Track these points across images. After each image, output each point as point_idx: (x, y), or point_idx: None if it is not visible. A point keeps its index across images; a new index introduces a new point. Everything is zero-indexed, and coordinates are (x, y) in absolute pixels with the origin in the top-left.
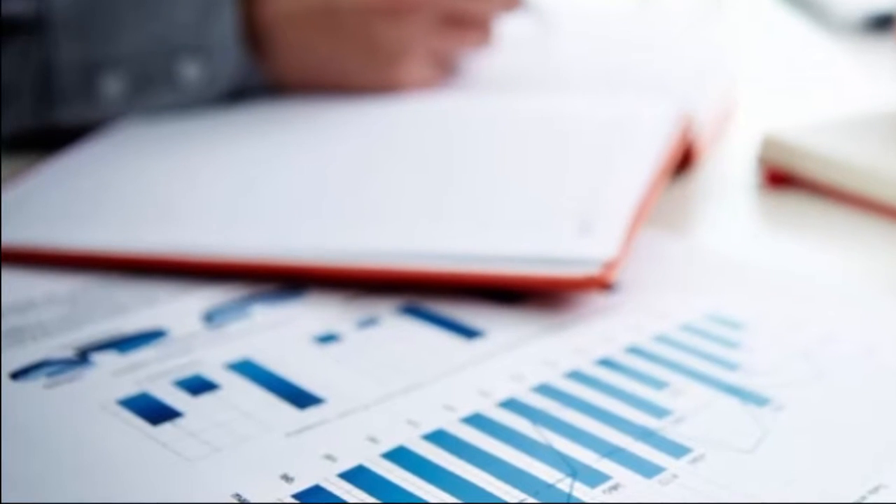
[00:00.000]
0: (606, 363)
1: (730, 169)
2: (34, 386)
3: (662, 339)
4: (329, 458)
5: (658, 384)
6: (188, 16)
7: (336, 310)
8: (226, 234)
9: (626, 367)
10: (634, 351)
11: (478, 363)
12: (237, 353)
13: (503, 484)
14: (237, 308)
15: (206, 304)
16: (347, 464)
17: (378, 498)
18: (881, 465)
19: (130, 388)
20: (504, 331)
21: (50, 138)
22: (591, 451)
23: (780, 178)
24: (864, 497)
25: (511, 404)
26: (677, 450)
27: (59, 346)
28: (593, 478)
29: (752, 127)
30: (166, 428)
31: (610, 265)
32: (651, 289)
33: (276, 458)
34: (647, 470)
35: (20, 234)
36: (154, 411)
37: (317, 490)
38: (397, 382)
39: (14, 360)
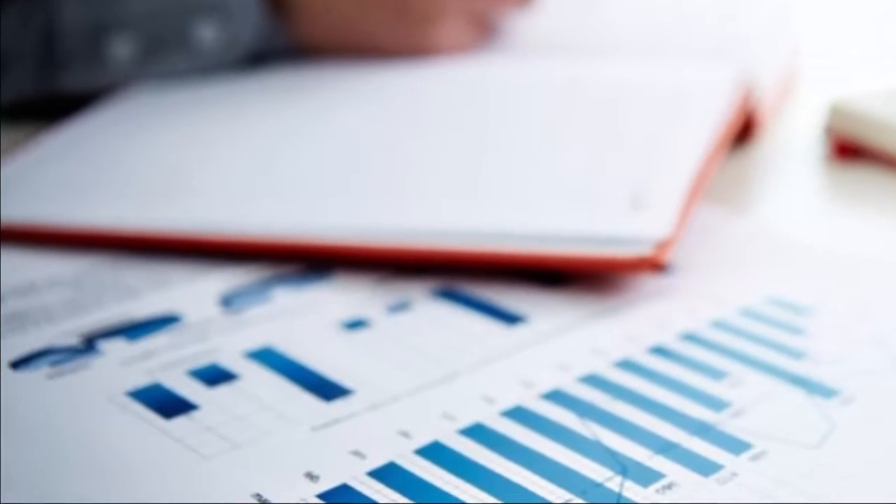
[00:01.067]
0: (659, 351)
1: (794, 140)
2: (36, 376)
3: (720, 324)
4: (357, 454)
5: (716, 374)
6: None
7: (365, 293)
8: (245, 210)
9: (681, 356)
10: (690, 338)
11: (519, 351)
12: (257, 340)
13: (547, 483)
14: (257, 291)
15: (223, 286)
16: (377, 461)
17: (410, 498)
18: None
19: (141, 379)
20: (548, 316)
21: (53, 107)
22: (642, 447)
23: (848, 150)
24: None
25: (556, 396)
26: (737, 445)
27: (64, 332)
28: (645, 476)
29: (818, 94)
30: (180, 422)
31: (663, 245)
32: (708, 270)
33: (299, 454)
34: (704, 467)
35: (21, 211)
36: (167, 404)
37: (344, 489)
38: (431, 372)
39: (14, 347)
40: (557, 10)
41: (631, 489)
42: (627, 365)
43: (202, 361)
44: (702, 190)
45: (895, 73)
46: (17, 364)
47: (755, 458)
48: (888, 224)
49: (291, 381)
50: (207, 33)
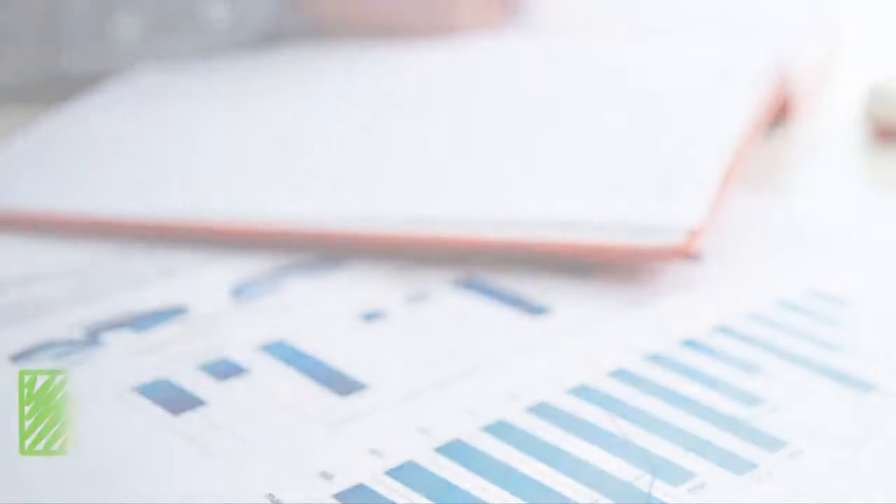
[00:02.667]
0: (691, 344)
1: (834, 123)
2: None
3: (755, 316)
4: (374, 452)
5: (751, 368)
6: None
7: (382, 284)
8: (256, 197)
9: (714, 349)
10: (724, 330)
11: (544, 344)
12: (269, 332)
13: (573, 482)
14: (269, 281)
15: (233, 276)
16: (395, 459)
17: (430, 498)
18: None
19: (148, 373)
20: (574, 307)
21: (55, 88)
22: (673, 445)
23: (890, 134)
24: None
25: (583, 391)
26: (772, 443)
27: (66, 324)
28: (676, 475)
29: (859, 75)
30: (189, 418)
31: (696, 233)
32: (743, 260)
33: (313, 452)
34: (738, 466)
35: (21, 198)
36: (175, 399)
37: (361, 489)
38: (452, 366)
39: (14, 340)
40: None
41: (661, 489)
42: (658, 359)
43: (212, 355)
44: (736, 175)
45: None
46: (17, 358)
47: (791, 456)
48: None
49: (305, 375)
50: (217, 11)
